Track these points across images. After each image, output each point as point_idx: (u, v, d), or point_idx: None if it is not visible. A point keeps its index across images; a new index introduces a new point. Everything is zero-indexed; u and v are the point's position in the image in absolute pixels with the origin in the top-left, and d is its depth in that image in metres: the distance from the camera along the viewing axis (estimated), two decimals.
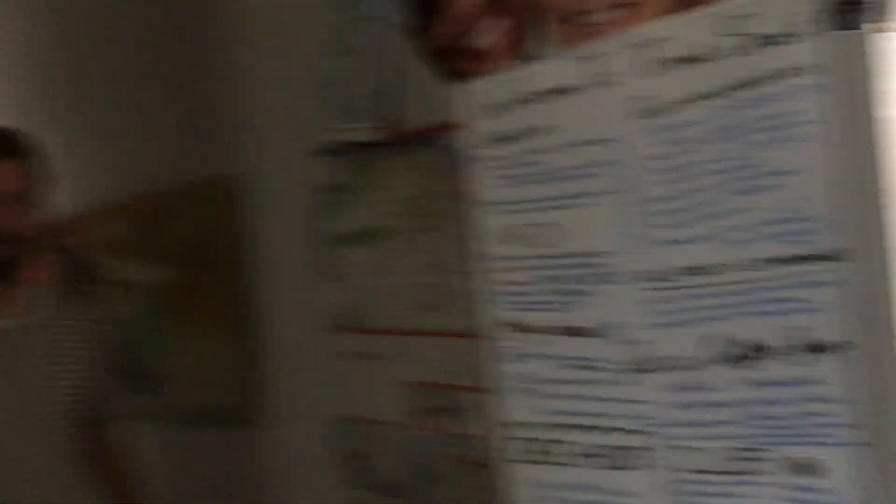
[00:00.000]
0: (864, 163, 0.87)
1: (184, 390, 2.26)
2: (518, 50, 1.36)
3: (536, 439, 1.33)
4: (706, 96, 1.02)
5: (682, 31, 1.03)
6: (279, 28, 1.86)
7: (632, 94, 1.09)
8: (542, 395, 1.32)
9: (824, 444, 0.93)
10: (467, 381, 1.47)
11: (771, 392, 0.98)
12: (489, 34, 1.36)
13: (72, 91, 2.70)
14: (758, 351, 0.99)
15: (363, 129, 1.60)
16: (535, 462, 1.33)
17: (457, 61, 1.40)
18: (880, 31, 0.84)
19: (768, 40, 0.94)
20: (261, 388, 1.99)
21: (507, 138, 1.32)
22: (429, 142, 1.49)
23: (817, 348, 0.93)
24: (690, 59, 1.03)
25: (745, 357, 1.01)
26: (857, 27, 0.86)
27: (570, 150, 1.19)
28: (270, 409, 1.98)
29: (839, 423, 0.91)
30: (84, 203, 2.64)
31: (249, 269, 2.00)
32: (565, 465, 1.28)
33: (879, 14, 0.84)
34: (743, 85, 0.97)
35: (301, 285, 1.83)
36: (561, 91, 1.19)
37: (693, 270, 1.05)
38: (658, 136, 1.07)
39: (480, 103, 1.34)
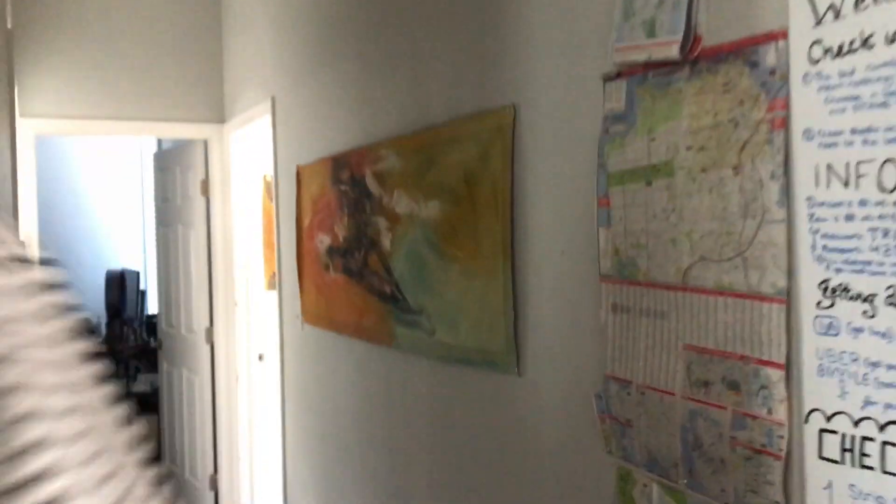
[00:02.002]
0: None
1: (446, 329, 2.19)
2: None
3: (846, 435, 1.06)
4: None
5: None
6: None
7: None
8: (859, 379, 1.04)
9: None
10: (756, 352, 1.21)
11: None
12: None
13: (358, 31, 2.70)
14: None
15: (654, 46, 1.37)
16: (842, 463, 1.06)
17: None
18: None
19: None
20: (520, 335, 1.85)
21: (843, 51, 1.04)
22: (732, 59, 1.23)
23: None
24: None
25: None
26: None
27: None
28: (530, 357, 1.84)
29: None
30: (366, 137, 2.65)
31: (518, 207, 1.85)
32: (888, 472, 1.00)
33: None
34: None
35: (573, 225, 1.65)
36: None
37: None
38: None
39: (811, 6, 1.07)
